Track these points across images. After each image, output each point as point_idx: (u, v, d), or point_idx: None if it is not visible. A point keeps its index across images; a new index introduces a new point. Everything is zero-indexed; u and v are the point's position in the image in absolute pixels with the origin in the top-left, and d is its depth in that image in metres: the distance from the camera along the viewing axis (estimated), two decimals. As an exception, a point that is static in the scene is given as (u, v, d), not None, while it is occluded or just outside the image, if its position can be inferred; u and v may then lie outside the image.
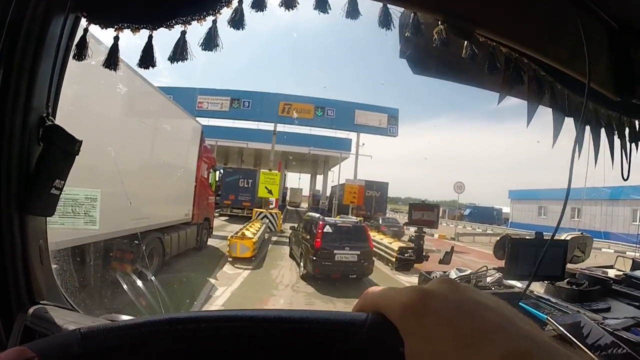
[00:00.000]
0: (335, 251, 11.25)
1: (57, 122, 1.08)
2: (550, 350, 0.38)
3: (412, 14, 1.24)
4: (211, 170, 15.01)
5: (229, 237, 13.47)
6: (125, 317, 1.05)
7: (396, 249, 13.62)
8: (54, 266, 1.19)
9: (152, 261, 9.44)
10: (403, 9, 1.25)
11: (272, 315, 0.57)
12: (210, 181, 14.93)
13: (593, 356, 1.92)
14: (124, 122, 8.10)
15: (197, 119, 14.77)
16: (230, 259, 12.68)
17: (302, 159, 37.06)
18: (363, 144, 33.49)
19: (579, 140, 1.66)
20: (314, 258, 11.11)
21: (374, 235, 16.97)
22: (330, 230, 11.67)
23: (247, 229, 15.51)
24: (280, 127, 31.13)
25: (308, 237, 12.04)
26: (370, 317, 0.50)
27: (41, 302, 1.06)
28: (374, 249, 14.43)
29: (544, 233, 3.14)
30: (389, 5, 1.20)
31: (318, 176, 51.13)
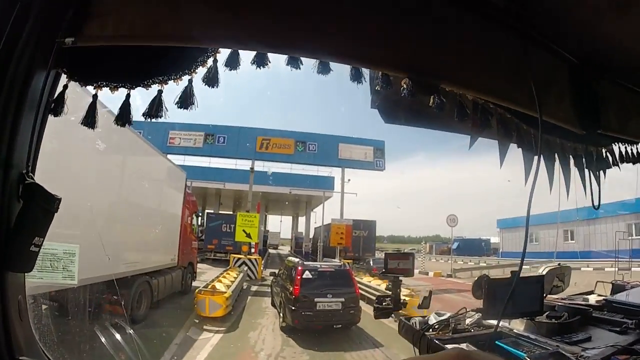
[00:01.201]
0: (316, 299, 10.41)
1: (36, 177, 1.13)
2: None
3: (381, 73, 1.38)
4: (194, 216, 16.15)
5: (196, 292, 11.75)
6: None
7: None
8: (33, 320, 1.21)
9: (142, 304, 10.46)
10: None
11: None
12: (193, 226, 15.98)
13: None
14: (114, 175, 9.25)
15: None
16: (197, 320, 10.80)
17: (283, 199, 36.31)
18: (349, 180, 32.28)
19: (549, 173, 1.80)
20: (293, 308, 10.30)
21: (365, 279, 16.57)
22: (310, 276, 10.88)
23: (220, 280, 13.71)
24: (259, 167, 30.11)
25: (287, 284, 11.31)
26: None
27: (20, 357, 1.07)
28: (366, 294, 14.03)
29: (525, 267, 3.25)
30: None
31: (300, 218, 50.23)
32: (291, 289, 10.70)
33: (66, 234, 5.10)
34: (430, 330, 3.72)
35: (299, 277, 10.71)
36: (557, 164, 1.97)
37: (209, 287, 12.30)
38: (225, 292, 11.71)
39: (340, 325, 10.66)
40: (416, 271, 26.99)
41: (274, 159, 31.41)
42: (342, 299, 10.65)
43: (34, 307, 1.32)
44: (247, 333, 10.59)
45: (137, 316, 10.11)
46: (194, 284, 15.13)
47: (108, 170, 8.85)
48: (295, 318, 10.23)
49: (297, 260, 13.03)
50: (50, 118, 1.23)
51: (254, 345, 9.74)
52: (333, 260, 20.47)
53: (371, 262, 24.29)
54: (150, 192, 11.68)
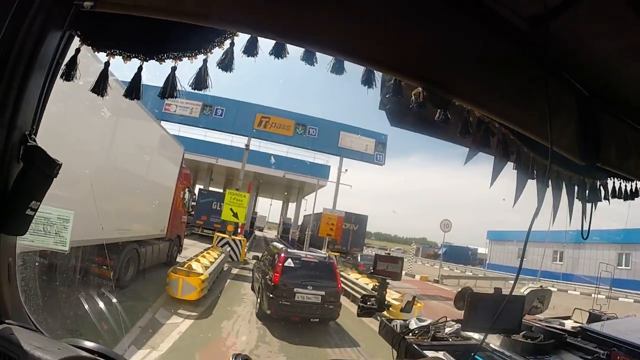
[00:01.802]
0: (295, 289, 10.18)
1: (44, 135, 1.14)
2: None
3: (394, 78, 1.41)
4: (186, 190, 16.65)
5: (169, 271, 10.91)
6: (86, 343, 1.11)
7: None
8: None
9: (129, 270, 10.80)
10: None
11: None
12: (185, 201, 16.44)
13: None
14: (114, 144, 9.57)
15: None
16: (167, 302, 10.04)
17: (275, 182, 35.87)
18: (346, 170, 31.86)
19: (540, 198, 1.86)
20: (271, 295, 10.08)
21: (351, 274, 16.30)
22: (292, 265, 10.58)
23: (198, 260, 12.89)
24: (255, 146, 29.96)
25: (268, 270, 10.99)
26: None
27: (6, 321, 1.09)
28: (352, 291, 14.05)
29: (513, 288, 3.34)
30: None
31: (290, 204, 50.02)
32: (271, 275, 10.47)
33: (63, 196, 5.41)
34: (410, 334, 3.83)
35: (280, 264, 10.45)
36: (549, 189, 2.03)
37: (185, 266, 11.57)
38: (202, 274, 11.01)
39: (317, 320, 10.49)
40: (403, 272, 27.27)
41: (271, 139, 30.83)
42: (323, 293, 10.45)
43: (21, 270, 1.33)
44: (220, 322, 9.89)
45: (123, 282, 10.33)
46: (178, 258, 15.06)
47: (108, 138, 9.21)
48: (272, 306, 10.03)
49: (281, 246, 12.61)
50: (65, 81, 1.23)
51: (226, 338, 9.03)
52: (319, 251, 20.36)
53: (359, 258, 24.06)
54: (147, 163, 12.04)
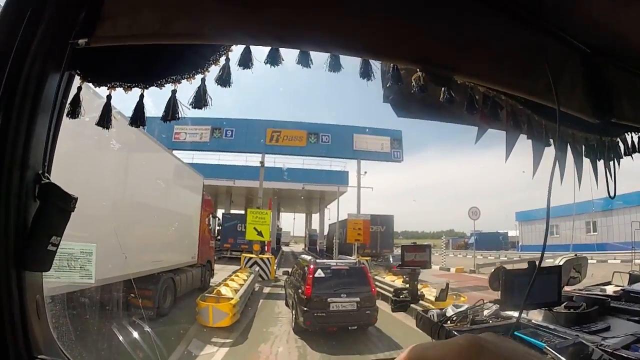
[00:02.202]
0: (329, 299, 10.05)
1: (61, 176, 1.18)
2: None
3: (392, 65, 1.40)
4: (210, 216, 17.77)
5: (197, 299, 10.56)
6: None
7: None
8: (51, 319, 1.25)
9: (167, 298, 11.39)
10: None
11: None
12: (210, 227, 17.54)
13: None
14: (141, 182, 10.59)
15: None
16: (200, 331, 9.61)
17: (295, 196, 35.75)
18: (365, 173, 31.35)
19: (560, 165, 1.82)
20: (305, 309, 9.93)
21: (386, 277, 16.05)
22: (322, 275, 10.54)
23: (227, 284, 12.67)
24: (270, 162, 29.87)
25: (300, 283, 10.95)
26: None
27: (39, 356, 1.11)
28: (389, 294, 13.66)
29: (541, 260, 3.27)
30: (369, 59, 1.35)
31: (313, 215, 49.83)
32: (303, 288, 10.39)
33: (96, 234, 6.06)
34: (448, 322, 3.79)
35: (310, 276, 10.39)
36: (569, 154, 1.98)
37: (214, 292, 11.33)
38: (232, 299, 10.66)
39: (355, 327, 10.25)
40: (437, 267, 26.85)
41: (285, 152, 30.95)
42: (358, 299, 10.29)
43: (51, 307, 1.35)
44: (257, 346, 9.56)
45: (163, 310, 10.83)
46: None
47: (136, 176, 10.23)
48: (308, 319, 9.89)
49: (309, 258, 12.89)
50: (71, 120, 1.27)
51: (266, 363, 8.56)
52: (348, 257, 20.18)
53: (391, 259, 23.63)
54: (172, 196, 13.23)
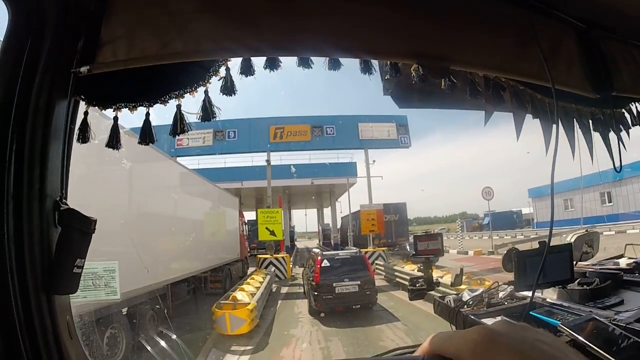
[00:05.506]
0: (335, 284, 12.27)
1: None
2: None
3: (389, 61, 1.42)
4: (244, 223, 23.73)
5: (213, 308, 10.13)
6: None
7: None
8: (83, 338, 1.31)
9: (226, 281, 16.66)
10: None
11: None
12: (243, 232, 23.15)
13: (608, 356, 2.00)
14: (205, 213, 16.42)
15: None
16: (218, 340, 9.42)
17: (305, 192, 35.76)
18: (374, 161, 30.89)
19: (570, 140, 1.83)
20: (315, 293, 12.26)
21: (405, 267, 16.34)
22: (328, 264, 12.86)
23: (242, 288, 12.48)
24: (276, 160, 29.80)
25: (310, 273, 13.34)
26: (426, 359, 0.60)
27: None
28: (404, 282, 14.37)
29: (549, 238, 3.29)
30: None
31: (325, 209, 49.79)
32: (313, 276, 12.75)
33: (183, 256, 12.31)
34: (465, 306, 3.87)
35: (318, 266, 12.75)
36: (576, 129, 1.99)
37: (229, 298, 10.88)
38: (249, 303, 10.32)
39: (358, 306, 12.39)
40: (454, 251, 26.67)
41: (290, 148, 30.79)
42: (359, 282, 12.54)
43: (81, 325, 1.41)
44: (279, 351, 9.25)
45: (226, 289, 14.47)
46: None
47: (204, 207, 16.65)
48: (318, 302, 12.19)
49: (318, 251, 16.08)
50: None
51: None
52: (351, 247, 21.05)
53: (407, 247, 23.39)
54: (227, 216, 19.75)
